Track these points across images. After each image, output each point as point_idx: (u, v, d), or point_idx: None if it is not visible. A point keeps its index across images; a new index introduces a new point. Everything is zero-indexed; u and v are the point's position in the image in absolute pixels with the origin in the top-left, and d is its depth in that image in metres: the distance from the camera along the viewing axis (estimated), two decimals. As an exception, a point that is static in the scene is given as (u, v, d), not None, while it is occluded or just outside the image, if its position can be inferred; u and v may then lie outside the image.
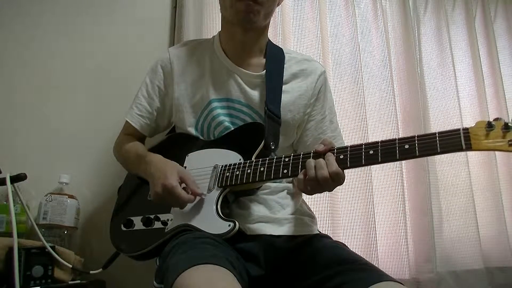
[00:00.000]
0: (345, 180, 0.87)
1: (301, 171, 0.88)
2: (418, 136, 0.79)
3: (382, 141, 0.83)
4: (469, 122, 1.94)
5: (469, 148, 0.73)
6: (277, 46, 1.23)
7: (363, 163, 0.83)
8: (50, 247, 1.08)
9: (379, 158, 0.81)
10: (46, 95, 1.39)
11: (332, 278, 0.85)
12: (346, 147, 0.86)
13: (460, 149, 0.74)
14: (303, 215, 1.09)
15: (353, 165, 0.84)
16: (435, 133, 0.77)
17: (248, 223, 1.00)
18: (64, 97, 1.41)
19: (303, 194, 1.21)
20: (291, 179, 1.12)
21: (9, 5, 1.39)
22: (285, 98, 1.10)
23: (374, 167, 1.64)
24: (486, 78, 2.07)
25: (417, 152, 0.78)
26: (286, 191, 1.10)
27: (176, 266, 0.76)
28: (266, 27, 1.17)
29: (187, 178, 0.97)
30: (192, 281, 0.71)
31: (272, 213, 1.04)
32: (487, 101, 2.01)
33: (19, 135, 1.33)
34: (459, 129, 0.75)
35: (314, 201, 1.48)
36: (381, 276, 0.83)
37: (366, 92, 1.74)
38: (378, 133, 1.74)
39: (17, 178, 1.06)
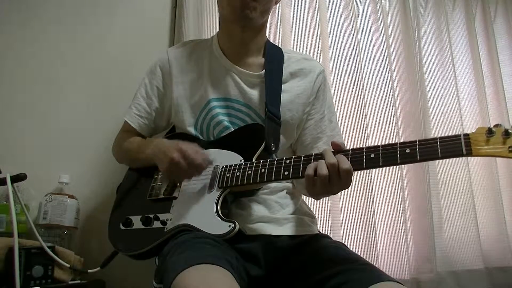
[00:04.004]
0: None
1: (301, 173, 0.88)
2: (419, 141, 0.80)
3: (383, 145, 0.83)
4: (469, 122, 1.94)
5: (469, 153, 0.74)
6: (276, 46, 1.23)
7: (364, 166, 0.83)
8: (50, 247, 1.08)
9: (380, 161, 0.82)
10: (47, 95, 1.39)
11: (332, 278, 0.85)
12: (348, 150, 0.87)
13: (460, 155, 0.75)
14: (303, 215, 1.09)
15: (354, 169, 0.84)
16: (436, 138, 0.78)
17: (247, 223, 1.00)
18: (65, 97, 1.41)
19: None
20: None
21: (10, 6, 1.39)
22: (284, 97, 1.10)
23: (374, 167, 1.64)
24: (486, 78, 2.06)
25: (418, 156, 0.78)
26: (285, 190, 1.10)
27: (175, 266, 0.76)
28: (263, 26, 1.17)
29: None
30: (191, 281, 0.71)
31: (272, 213, 1.04)
32: (487, 101, 2.00)
33: (19, 135, 1.33)
34: (459, 135, 0.75)
35: (314, 201, 1.48)
36: (381, 276, 0.83)
37: (366, 92, 1.73)
38: (378, 133, 1.74)
39: (17, 178, 1.06)
